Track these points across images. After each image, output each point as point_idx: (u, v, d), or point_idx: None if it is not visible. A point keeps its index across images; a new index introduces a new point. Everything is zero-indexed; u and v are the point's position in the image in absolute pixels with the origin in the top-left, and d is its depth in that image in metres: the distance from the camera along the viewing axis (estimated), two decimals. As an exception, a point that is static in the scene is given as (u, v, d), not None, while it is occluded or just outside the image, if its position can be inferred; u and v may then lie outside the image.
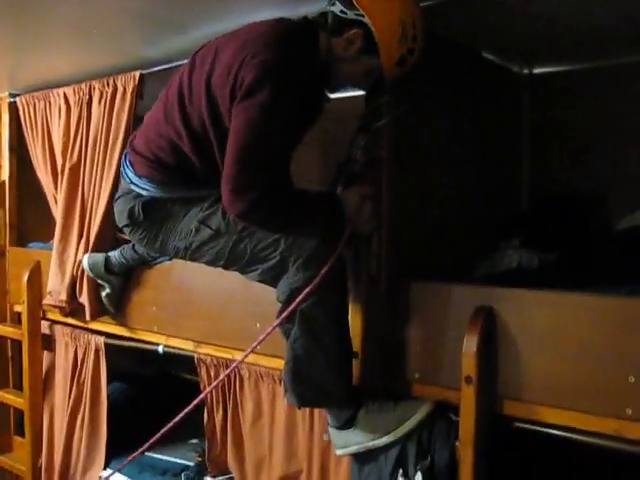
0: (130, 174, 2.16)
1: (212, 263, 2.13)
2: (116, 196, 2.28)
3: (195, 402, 1.96)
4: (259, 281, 2.08)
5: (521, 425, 1.93)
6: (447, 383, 2.00)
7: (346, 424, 2.09)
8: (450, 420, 2.00)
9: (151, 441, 1.99)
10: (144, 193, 2.13)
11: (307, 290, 1.89)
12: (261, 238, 1.99)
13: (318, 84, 2.02)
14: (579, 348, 1.78)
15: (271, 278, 2.03)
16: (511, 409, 1.92)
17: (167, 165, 2.08)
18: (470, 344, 1.87)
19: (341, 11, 1.90)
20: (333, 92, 2.10)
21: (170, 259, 2.64)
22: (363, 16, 1.87)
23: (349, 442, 2.10)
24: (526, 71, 2.97)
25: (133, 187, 2.15)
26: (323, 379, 2.03)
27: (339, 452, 2.15)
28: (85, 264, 2.94)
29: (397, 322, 2.12)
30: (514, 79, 2.96)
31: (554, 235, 2.46)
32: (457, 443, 1.94)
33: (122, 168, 2.22)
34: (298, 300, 1.91)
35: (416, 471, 2.00)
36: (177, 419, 1.95)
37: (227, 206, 1.87)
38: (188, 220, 2.10)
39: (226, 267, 2.11)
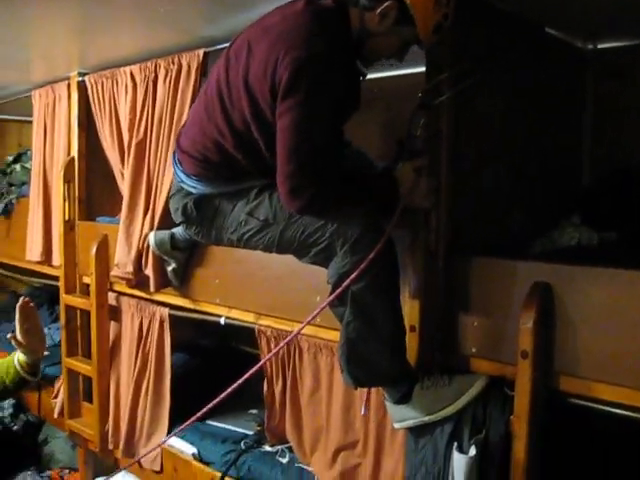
0: (180, 173, 2.21)
1: (266, 250, 2.17)
2: (170, 193, 2.35)
3: (252, 371, 2.00)
4: (312, 263, 2.10)
5: (577, 401, 1.93)
6: (503, 358, 2.01)
7: (402, 399, 2.11)
8: (505, 395, 2.02)
9: (210, 405, 2.02)
10: (194, 191, 2.18)
11: (353, 275, 1.90)
12: (307, 224, 2.01)
13: (354, 65, 2.00)
14: (636, 325, 1.76)
15: (322, 261, 2.05)
16: (567, 385, 1.92)
17: (213, 163, 2.11)
18: (527, 319, 1.87)
19: None
20: (368, 67, 2.06)
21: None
22: None
23: (405, 416, 2.13)
24: (590, 46, 2.91)
25: (183, 185, 2.21)
26: (377, 360, 2.05)
27: (396, 426, 2.18)
28: (152, 242, 2.98)
29: (455, 297, 2.14)
30: (577, 54, 2.90)
31: (615, 212, 2.43)
32: (512, 418, 1.96)
33: (173, 166, 2.27)
34: (345, 285, 1.92)
35: (470, 445, 2.02)
36: (236, 386, 1.99)
37: (286, 204, 1.94)
38: (236, 214, 2.14)
39: (280, 253, 2.15)
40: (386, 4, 1.84)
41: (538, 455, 1.95)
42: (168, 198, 2.94)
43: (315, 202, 1.91)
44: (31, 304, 2.24)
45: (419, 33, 1.88)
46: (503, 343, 2.01)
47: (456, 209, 2.16)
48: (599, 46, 2.90)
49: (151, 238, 3.00)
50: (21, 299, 2.22)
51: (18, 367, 2.24)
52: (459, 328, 2.12)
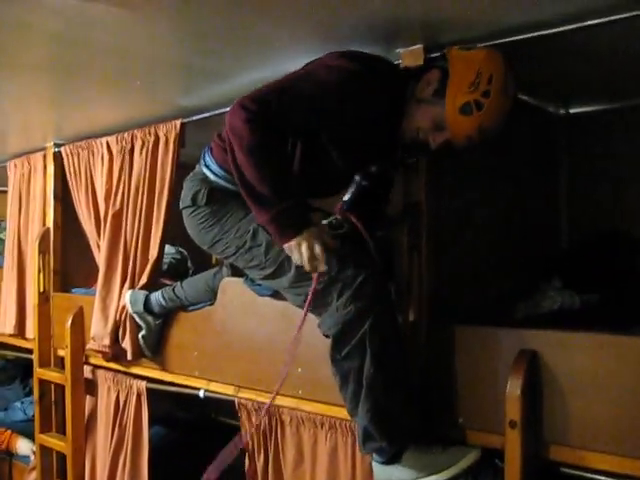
0: (207, 157, 2.21)
1: (258, 269, 2.12)
2: (187, 178, 2.31)
3: (234, 444, 1.95)
4: (300, 306, 2.03)
5: (569, 471, 1.89)
6: (492, 428, 1.96)
7: (392, 459, 2.03)
8: (496, 467, 1.97)
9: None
10: (212, 177, 2.17)
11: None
12: None
13: (390, 113, 1.99)
14: (626, 391, 1.74)
15: (314, 306, 1.98)
16: (558, 454, 1.87)
17: None
18: (514, 387, 1.84)
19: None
20: (402, 146, 2.05)
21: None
22: (446, 60, 1.91)
23: (391, 477, 2.05)
24: (562, 111, 2.96)
25: (204, 169, 2.20)
26: (402, 412, 2.00)
27: None
28: (127, 298, 2.98)
29: (439, 366, 2.10)
30: (550, 119, 2.95)
31: (596, 275, 2.43)
32: (503, 490, 1.91)
33: (202, 153, 2.25)
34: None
35: (458, 518, 1.96)
36: (219, 460, 1.95)
37: (230, 115, 1.87)
38: (247, 222, 2.10)
39: (272, 279, 2.10)
40: (431, 71, 1.94)
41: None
42: (152, 270, 2.97)
43: (250, 129, 1.81)
44: None
45: (446, 106, 1.89)
46: (491, 413, 1.96)
47: (437, 278, 2.14)
48: (571, 111, 2.95)
49: (127, 295, 3.01)
50: None
51: None
52: (445, 398, 2.08)
